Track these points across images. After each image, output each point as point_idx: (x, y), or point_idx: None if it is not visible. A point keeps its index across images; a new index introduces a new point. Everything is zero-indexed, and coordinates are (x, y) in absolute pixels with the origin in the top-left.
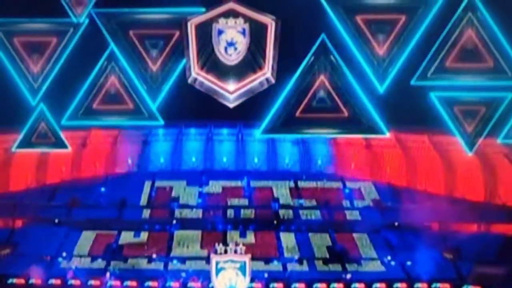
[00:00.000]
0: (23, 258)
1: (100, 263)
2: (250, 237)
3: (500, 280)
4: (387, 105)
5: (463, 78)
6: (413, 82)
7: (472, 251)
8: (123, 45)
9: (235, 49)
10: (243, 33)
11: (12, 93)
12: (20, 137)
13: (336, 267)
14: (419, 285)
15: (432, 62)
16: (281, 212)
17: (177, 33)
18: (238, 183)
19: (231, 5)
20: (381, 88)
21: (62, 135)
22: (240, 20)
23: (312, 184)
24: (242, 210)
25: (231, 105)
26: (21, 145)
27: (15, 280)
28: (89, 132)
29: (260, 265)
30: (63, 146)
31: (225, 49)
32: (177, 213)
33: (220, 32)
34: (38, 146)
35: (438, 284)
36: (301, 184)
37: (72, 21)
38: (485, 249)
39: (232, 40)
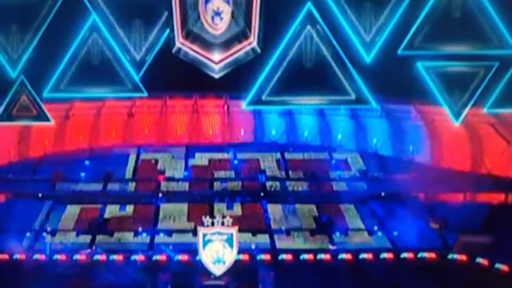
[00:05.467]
0: (7, 234)
1: (85, 238)
2: (237, 209)
3: (485, 248)
4: (374, 75)
5: (450, 48)
6: (400, 51)
7: (458, 220)
8: (106, 15)
9: (221, 18)
10: (228, 2)
11: None
12: (0, 110)
13: (323, 238)
14: (406, 254)
15: (419, 31)
16: (268, 184)
17: (161, 2)
18: (225, 155)
19: None
20: (368, 58)
21: (44, 107)
22: None
23: (299, 155)
24: (228, 183)
25: (216, 76)
26: (1, 118)
27: None
28: (72, 104)
29: (247, 237)
30: (46, 119)
31: (212, 18)
32: (163, 186)
33: (207, 1)
34: (19, 119)
35: (424, 254)
36: (288, 155)
37: None
38: (470, 218)
39: (218, 9)
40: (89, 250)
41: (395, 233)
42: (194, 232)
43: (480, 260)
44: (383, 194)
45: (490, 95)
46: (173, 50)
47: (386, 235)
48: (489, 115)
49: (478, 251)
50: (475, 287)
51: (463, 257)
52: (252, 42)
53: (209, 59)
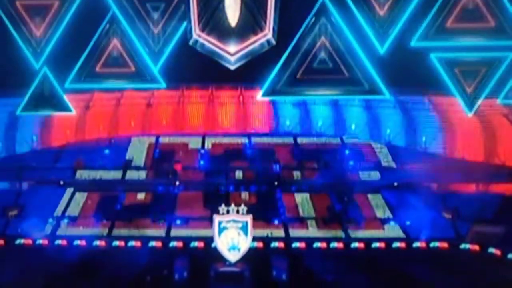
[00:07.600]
0: (30, 219)
1: (104, 224)
2: (252, 198)
3: (497, 238)
4: (388, 66)
5: (463, 39)
6: (413, 43)
7: (470, 211)
8: (125, 8)
9: (236, 12)
10: None
11: (15, 57)
12: (24, 100)
13: (336, 227)
14: (418, 244)
15: (432, 23)
16: (282, 173)
17: None
18: (240, 145)
19: None
20: (381, 49)
21: (66, 98)
22: None
23: (312, 146)
24: (243, 172)
25: (232, 67)
26: (25, 108)
27: (23, 241)
28: (92, 95)
29: (262, 225)
30: (67, 109)
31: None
32: (180, 174)
33: None
34: (42, 109)
35: (437, 243)
36: (301, 146)
37: None
38: (483, 209)
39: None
40: None
41: (408, 222)
42: (210, 220)
43: (492, 250)
44: (396, 184)
45: (503, 86)
46: (190, 42)
47: (399, 225)
48: (502, 106)
49: (491, 241)
50: (487, 277)
51: (475, 247)
52: (267, 34)
53: (225, 50)
